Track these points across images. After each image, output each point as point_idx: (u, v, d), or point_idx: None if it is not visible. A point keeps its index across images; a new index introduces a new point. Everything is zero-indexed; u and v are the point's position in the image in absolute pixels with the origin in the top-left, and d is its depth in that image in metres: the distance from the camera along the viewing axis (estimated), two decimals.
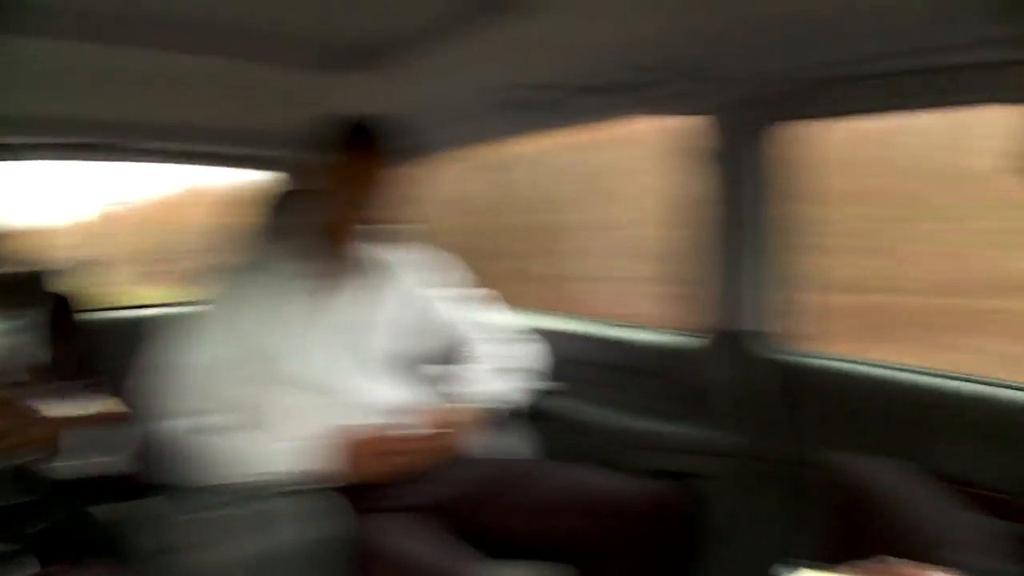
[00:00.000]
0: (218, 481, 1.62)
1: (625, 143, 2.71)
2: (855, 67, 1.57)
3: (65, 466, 1.68)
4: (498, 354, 1.99)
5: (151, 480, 1.73)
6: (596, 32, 1.53)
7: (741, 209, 1.85)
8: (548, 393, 2.19)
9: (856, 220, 2.09)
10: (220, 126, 2.39)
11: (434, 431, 1.69)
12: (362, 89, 1.89)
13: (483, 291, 2.11)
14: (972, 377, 1.59)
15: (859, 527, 1.29)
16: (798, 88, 1.70)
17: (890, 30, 1.40)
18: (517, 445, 2.12)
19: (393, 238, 2.20)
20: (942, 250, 2.02)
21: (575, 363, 2.27)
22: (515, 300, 2.70)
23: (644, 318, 2.38)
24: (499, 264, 3.33)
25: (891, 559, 0.98)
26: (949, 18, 1.28)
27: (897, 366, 1.72)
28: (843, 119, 1.81)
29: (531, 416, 2.15)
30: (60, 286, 2.36)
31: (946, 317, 2.01)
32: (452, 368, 2.06)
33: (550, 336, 2.24)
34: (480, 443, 1.87)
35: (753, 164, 1.82)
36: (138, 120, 2.33)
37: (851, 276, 2.04)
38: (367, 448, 1.64)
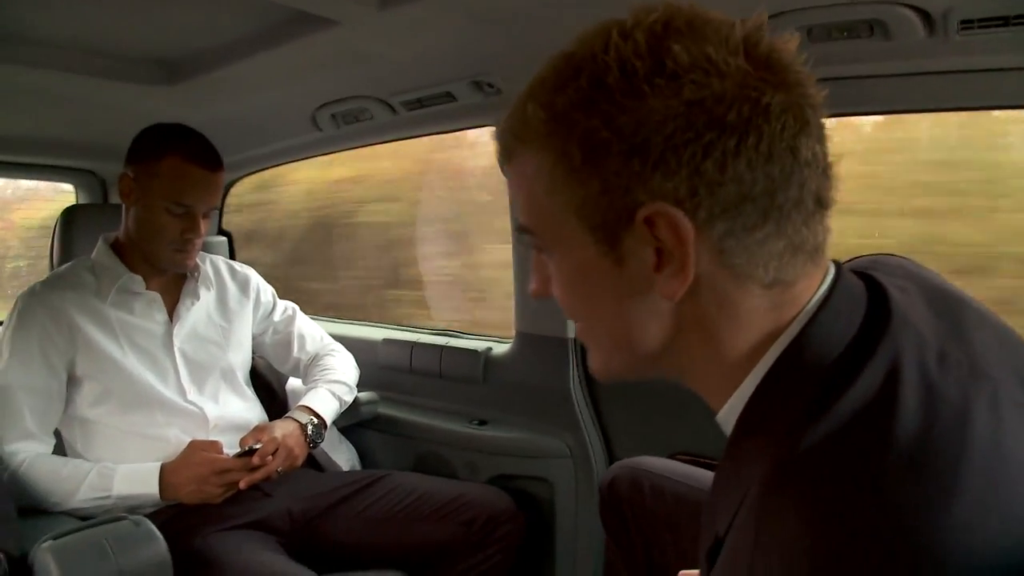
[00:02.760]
0: (51, 507, 1.57)
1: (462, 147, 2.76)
2: None
3: None
4: (333, 366, 1.99)
5: None
6: (398, 47, 1.57)
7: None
8: (372, 403, 2.21)
9: None
10: (24, 136, 2.27)
11: (271, 447, 1.67)
12: (173, 102, 1.86)
13: (293, 303, 2.11)
14: None
15: (658, 520, 1.35)
16: None
17: None
18: (348, 456, 2.13)
19: (215, 251, 2.17)
20: None
21: (392, 371, 2.30)
22: (328, 309, 2.71)
23: (460, 324, 2.44)
24: (312, 274, 3.32)
25: None
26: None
27: None
28: None
29: (359, 426, 2.18)
30: None
31: None
32: (296, 382, 2.06)
33: (362, 344, 2.27)
34: (315, 456, 1.87)
35: None
36: None
37: None
38: (203, 468, 1.61)
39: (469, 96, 1.76)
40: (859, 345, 0.61)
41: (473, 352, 2.14)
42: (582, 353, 1.94)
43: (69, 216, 2.01)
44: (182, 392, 1.75)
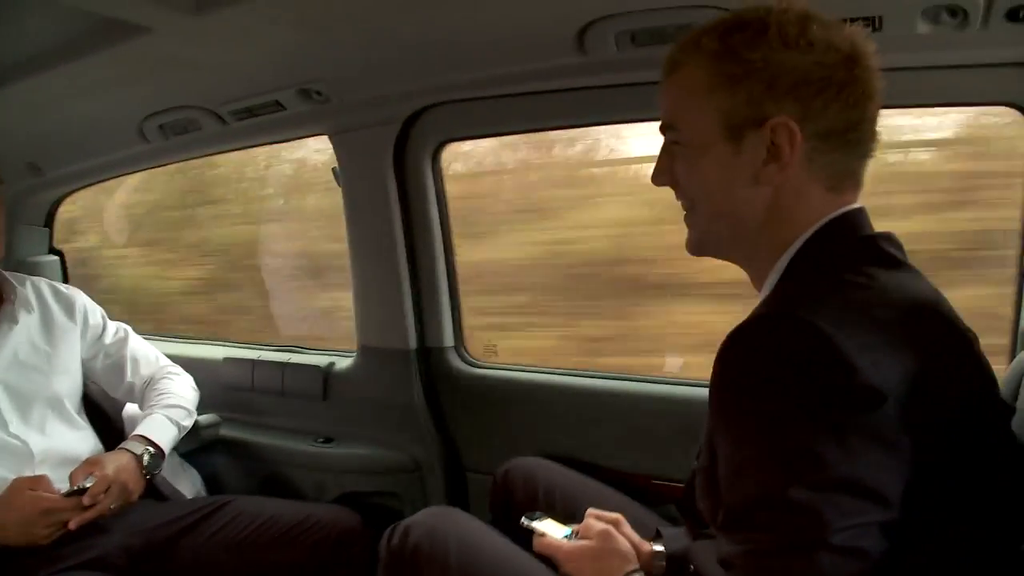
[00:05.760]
0: None
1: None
2: (486, 88, 1.69)
3: None
4: (170, 390, 1.90)
5: None
6: (219, 55, 1.54)
7: (384, 228, 1.90)
8: (211, 426, 2.13)
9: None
10: None
11: (103, 484, 1.58)
12: None
13: (123, 323, 2.01)
14: (616, 375, 1.78)
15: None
16: (424, 109, 1.79)
17: (521, 54, 1.52)
18: (191, 483, 2.04)
19: (44, 271, 2.05)
20: None
21: (233, 390, 2.23)
22: (162, 329, 2.61)
23: (300, 340, 2.39)
24: (141, 292, 3.20)
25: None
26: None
27: (548, 369, 1.87)
28: (480, 138, 1.96)
29: (199, 451, 2.09)
30: None
31: None
32: (131, 407, 1.96)
33: (202, 364, 2.19)
34: (155, 485, 1.78)
35: (395, 183, 1.87)
36: None
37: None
38: (28, 508, 1.51)
39: (298, 105, 1.74)
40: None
41: (315, 368, 2.11)
42: (425, 365, 1.95)
43: None
44: (3, 424, 1.65)
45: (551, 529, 1.27)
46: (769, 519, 0.78)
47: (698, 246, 1.03)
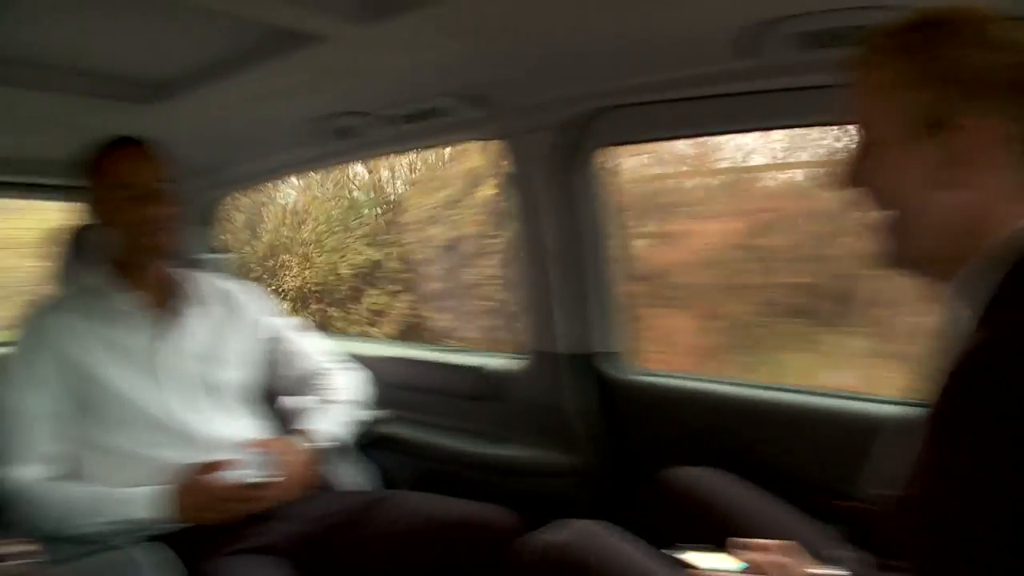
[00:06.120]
0: (58, 531, 1.52)
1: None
2: (652, 93, 1.64)
3: None
4: (338, 385, 1.94)
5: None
6: (388, 61, 1.54)
7: (551, 232, 1.89)
8: (378, 421, 2.16)
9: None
10: (24, 157, 2.25)
11: (278, 468, 1.63)
12: (158, 120, 1.82)
13: (297, 319, 2.06)
14: (792, 387, 1.69)
15: (695, 533, 1.32)
16: (597, 114, 1.76)
17: (686, 58, 1.47)
18: (356, 476, 2.08)
19: (209, 268, 2.13)
20: None
21: (401, 389, 2.26)
22: (332, 327, 2.67)
23: (469, 341, 2.40)
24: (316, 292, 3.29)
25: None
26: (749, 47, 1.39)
27: (725, 380, 1.80)
28: (646, 143, 1.90)
29: (366, 446, 2.12)
30: None
31: None
32: (298, 400, 2.00)
33: (373, 362, 2.22)
34: (323, 477, 1.82)
35: (560, 187, 1.85)
36: None
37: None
38: (208, 490, 1.57)
39: (461, 110, 1.73)
40: None
41: (479, 368, 2.10)
42: (590, 369, 1.91)
43: (67, 236, 1.99)
44: (179, 412, 1.71)
45: (712, 562, 1.17)
46: None
47: (895, 257, 0.97)
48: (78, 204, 2.64)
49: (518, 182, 1.92)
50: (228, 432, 1.75)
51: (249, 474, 1.61)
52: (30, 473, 1.60)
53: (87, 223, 1.91)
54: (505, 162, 1.92)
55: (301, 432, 1.79)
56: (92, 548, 1.39)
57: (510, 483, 1.98)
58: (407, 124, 1.84)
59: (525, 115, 1.78)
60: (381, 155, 2.20)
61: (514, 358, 2.09)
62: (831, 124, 1.56)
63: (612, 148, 1.84)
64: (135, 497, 1.58)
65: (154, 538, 1.46)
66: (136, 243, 1.70)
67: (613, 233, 1.90)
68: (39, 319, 1.70)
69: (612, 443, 1.91)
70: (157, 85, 1.73)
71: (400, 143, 2.04)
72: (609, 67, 1.57)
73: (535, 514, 1.80)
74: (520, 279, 1.97)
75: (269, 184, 2.65)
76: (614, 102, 1.72)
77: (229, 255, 2.75)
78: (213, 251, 2.68)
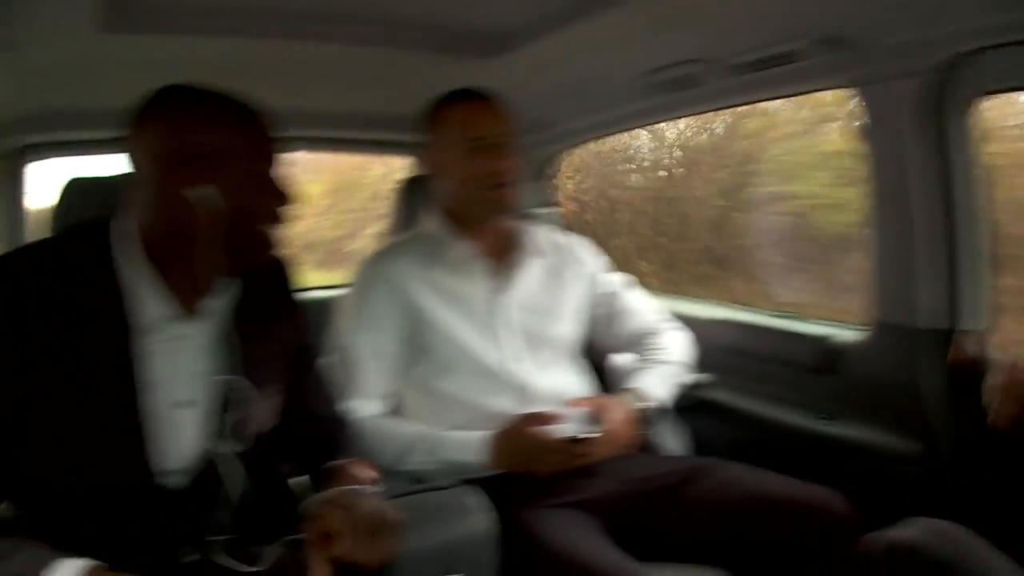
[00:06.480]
0: (388, 467, 1.60)
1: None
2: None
3: None
4: (667, 345, 1.89)
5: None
6: (736, 3, 1.44)
7: (915, 192, 1.68)
8: (701, 386, 2.08)
9: None
10: (360, 112, 2.42)
11: (602, 425, 1.61)
12: (499, 73, 1.85)
13: (626, 277, 2.02)
14: None
15: None
16: (973, 56, 1.52)
17: None
18: (673, 440, 2.02)
19: (545, 222, 2.16)
20: None
21: (727, 353, 2.15)
22: (660, 285, 2.60)
23: (805, 308, 2.22)
24: (637, 246, 3.23)
25: None
26: None
27: None
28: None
29: (682, 409, 2.02)
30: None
31: None
32: (626, 359, 1.98)
33: (698, 324, 2.11)
34: (643, 439, 1.78)
35: (927, 141, 1.64)
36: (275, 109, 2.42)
37: None
38: (532, 442, 1.58)
39: (817, 54, 1.57)
40: None
41: (819, 339, 1.94)
42: (948, 348, 1.68)
43: (406, 187, 2.10)
44: (509, 362, 1.74)
45: None
46: None
47: None
48: (414, 158, 2.83)
49: (877, 134, 1.72)
50: (555, 385, 1.76)
51: (573, 429, 1.60)
52: (366, 409, 1.69)
53: (421, 174, 2.00)
54: (861, 112, 1.73)
55: (628, 391, 1.76)
56: (420, 487, 1.45)
57: (839, 464, 1.81)
58: (753, 72, 1.72)
59: (890, 58, 1.58)
60: (719, 108, 2.07)
61: (856, 329, 1.90)
62: None
63: (990, 96, 1.59)
64: (463, 441, 1.62)
65: (469, 482, 1.48)
66: (479, 196, 1.72)
67: (988, 195, 1.65)
68: (380, 262, 1.77)
69: (966, 434, 1.66)
70: (498, 38, 1.75)
71: (742, 94, 1.90)
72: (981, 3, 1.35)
73: (866, 502, 1.62)
74: (874, 242, 1.78)
75: (605, 138, 2.60)
76: (994, 42, 1.47)
77: (561, 210, 2.78)
78: (547, 205, 2.73)
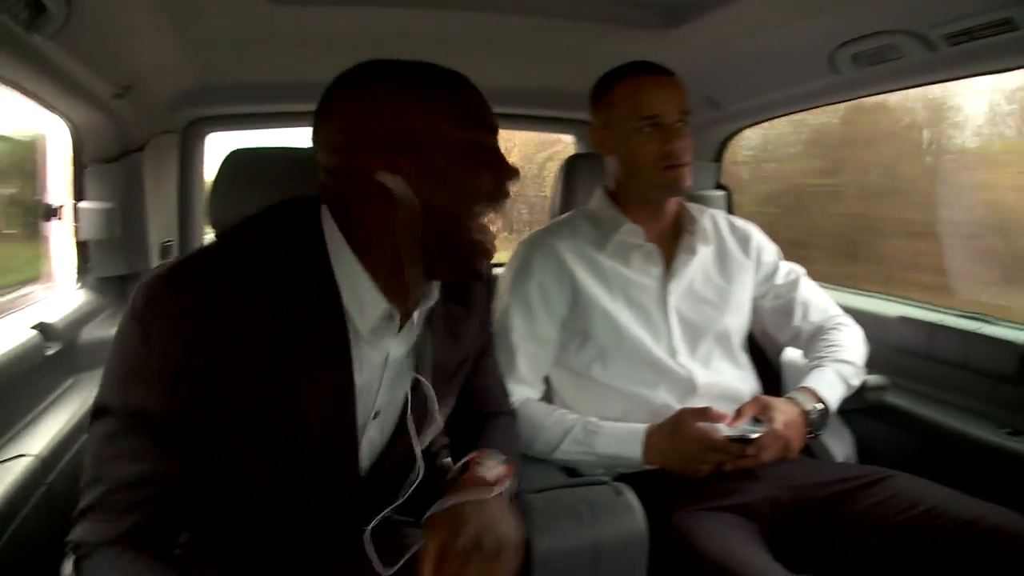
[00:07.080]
0: (533, 452, 1.60)
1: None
2: None
3: None
4: (844, 343, 1.78)
5: None
6: None
7: None
8: (872, 388, 1.91)
9: None
10: (527, 89, 2.38)
11: (769, 426, 1.53)
12: (673, 47, 1.78)
13: (795, 265, 1.90)
14: None
15: None
16: None
17: None
18: (839, 446, 1.90)
19: (713, 205, 2.07)
20: None
21: (902, 353, 2.00)
22: (832, 277, 2.45)
23: (990, 308, 2.02)
24: (811, 234, 3.06)
25: None
26: None
27: None
28: None
29: (849, 412, 1.90)
30: None
31: None
32: (799, 356, 1.90)
33: (872, 320, 1.98)
34: (809, 442, 1.67)
35: None
36: None
37: None
38: (695, 439, 1.52)
39: None
40: None
41: (1009, 344, 1.76)
42: None
43: (570, 165, 2.05)
44: (673, 352, 1.68)
45: None
46: None
47: None
48: (578, 135, 2.78)
49: None
50: (720, 380, 1.69)
51: (738, 428, 1.52)
52: (521, 393, 1.66)
53: (587, 153, 1.94)
54: None
55: (800, 390, 1.66)
56: (567, 482, 1.40)
57: None
58: (956, 45, 1.56)
59: None
60: (906, 87, 1.90)
61: None
62: None
63: None
64: (619, 432, 1.58)
65: (620, 479, 1.43)
66: (652, 177, 1.66)
67: None
68: (542, 242, 1.74)
69: None
70: (673, 8, 1.67)
71: (943, 69, 1.73)
72: None
73: None
74: None
75: (780, 119, 2.47)
76: None
77: (735, 193, 2.67)
78: (719, 188, 2.62)
